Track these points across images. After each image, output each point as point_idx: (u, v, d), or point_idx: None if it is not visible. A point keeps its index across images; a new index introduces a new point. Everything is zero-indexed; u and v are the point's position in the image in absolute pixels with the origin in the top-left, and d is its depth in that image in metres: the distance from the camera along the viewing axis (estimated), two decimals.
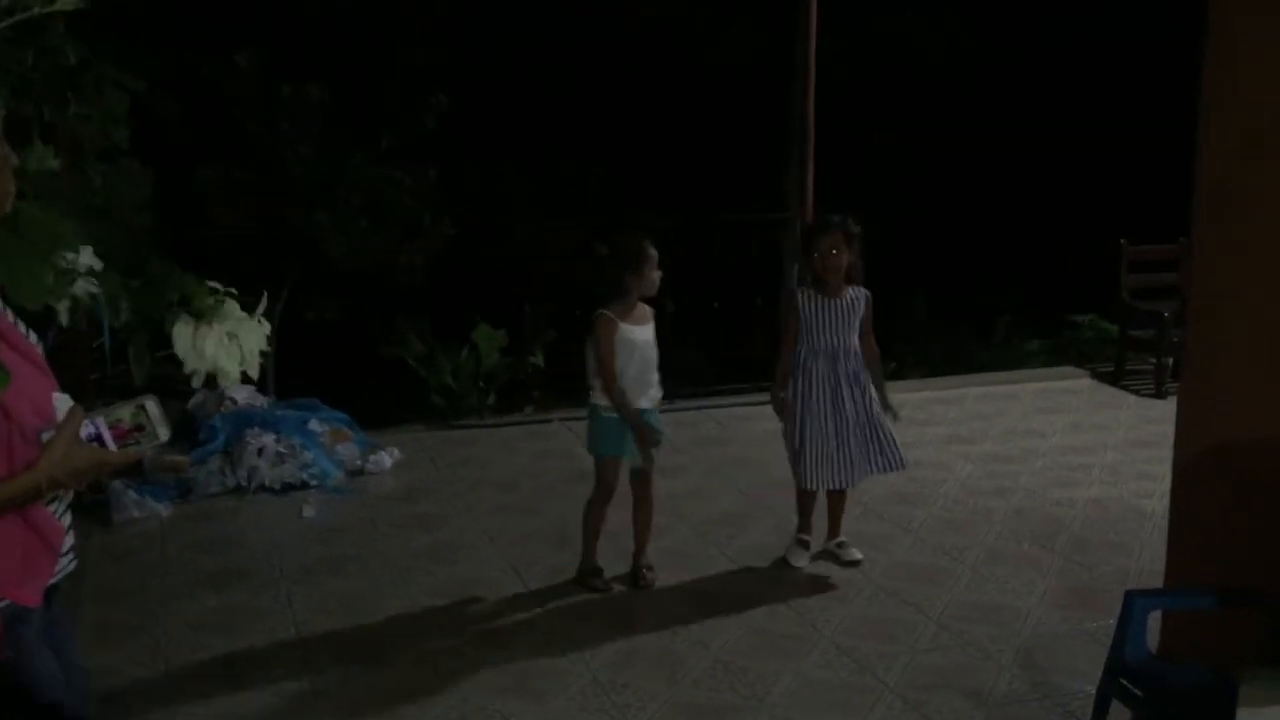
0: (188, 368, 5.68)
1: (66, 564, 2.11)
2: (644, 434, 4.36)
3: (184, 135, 7.62)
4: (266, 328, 5.85)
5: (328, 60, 8.40)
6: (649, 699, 3.67)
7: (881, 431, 4.62)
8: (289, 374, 7.11)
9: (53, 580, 2.06)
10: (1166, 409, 6.82)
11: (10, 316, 2.06)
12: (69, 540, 2.11)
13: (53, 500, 1.99)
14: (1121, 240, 7.68)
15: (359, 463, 5.93)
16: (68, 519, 2.10)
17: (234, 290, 5.81)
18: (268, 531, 5.18)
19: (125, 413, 1.99)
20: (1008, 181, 11.77)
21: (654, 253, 4.37)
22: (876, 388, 4.65)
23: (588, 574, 4.55)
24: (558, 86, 11.40)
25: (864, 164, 10.71)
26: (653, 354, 4.42)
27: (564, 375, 8.06)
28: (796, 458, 4.63)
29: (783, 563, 4.74)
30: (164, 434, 2.00)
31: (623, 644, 4.05)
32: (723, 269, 8.94)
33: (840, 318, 4.56)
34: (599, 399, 4.39)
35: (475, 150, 10.14)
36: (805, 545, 4.76)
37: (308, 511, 5.36)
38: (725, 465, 6.06)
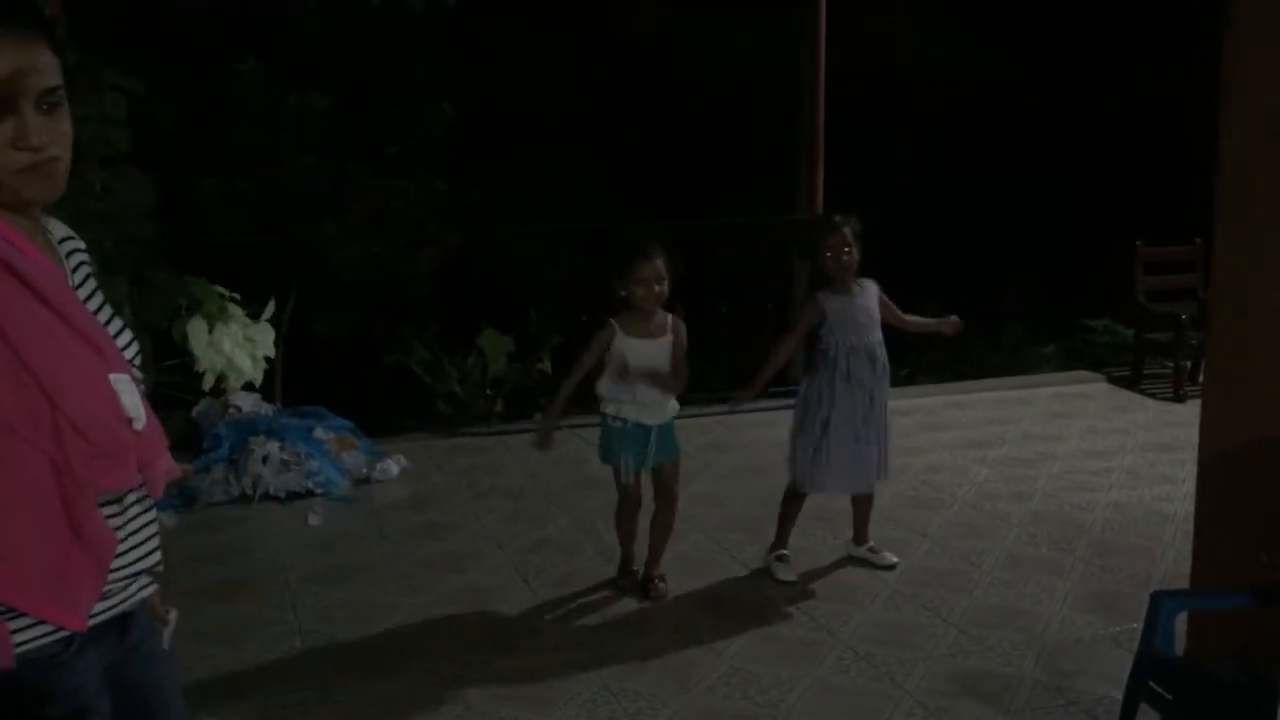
0: (202, 365, 5.61)
1: (137, 588, 1.71)
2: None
3: (185, 145, 7.57)
4: (271, 333, 5.79)
5: (331, 70, 8.35)
6: (661, 706, 3.58)
7: (888, 438, 4.55)
8: (294, 382, 7.04)
9: (116, 609, 1.67)
10: (1185, 412, 6.75)
11: (75, 279, 1.69)
12: (145, 555, 1.70)
13: (113, 502, 1.62)
14: (1136, 242, 7.59)
15: (365, 471, 5.84)
16: (150, 530, 1.71)
17: (237, 296, 5.75)
18: (273, 540, 5.10)
19: None
20: (1018, 185, 11.69)
21: (648, 270, 4.14)
22: (925, 325, 4.67)
23: (624, 573, 4.53)
24: (563, 95, 11.36)
25: (868, 168, 10.63)
26: (664, 369, 4.27)
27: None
28: (812, 461, 4.52)
29: (800, 570, 4.64)
30: None
31: (634, 651, 3.96)
32: (730, 273, 8.85)
33: (861, 313, 4.50)
34: (605, 407, 4.34)
35: (481, 159, 10.08)
36: (787, 559, 4.64)
37: (313, 520, 5.28)
38: (737, 471, 5.97)
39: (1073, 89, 11.70)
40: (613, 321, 4.28)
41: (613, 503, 4.52)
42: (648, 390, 4.26)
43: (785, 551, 4.65)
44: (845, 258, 4.44)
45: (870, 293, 4.55)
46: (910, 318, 4.67)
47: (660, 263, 4.18)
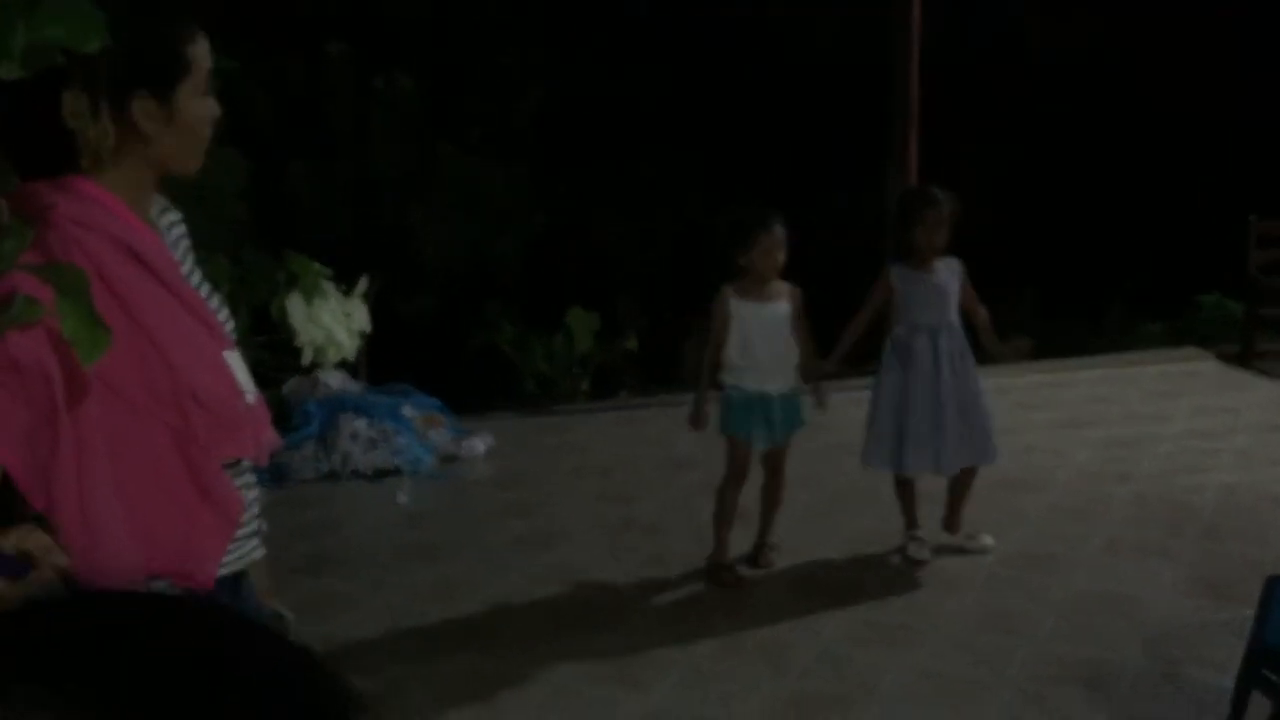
0: (301, 339, 5.66)
1: (250, 549, 1.80)
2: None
3: (277, 128, 7.65)
4: (364, 308, 5.83)
5: (419, 56, 8.39)
6: (753, 689, 3.51)
7: (978, 418, 4.40)
8: (381, 360, 7.08)
9: (232, 566, 1.75)
10: None
11: (178, 254, 1.75)
12: (252, 519, 1.79)
13: (235, 464, 1.73)
14: (1250, 215, 7.29)
15: (452, 449, 5.85)
16: (253, 494, 1.80)
17: (330, 271, 5.78)
18: (361, 517, 5.14)
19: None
20: (1122, 158, 11.32)
21: (774, 232, 4.12)
22: (988, 343, 4.47)
23: (717, 568, 4.35)
24: (648, 82, 11.29)
25: (965, 144, 10.37)
26: (782, 333, 4.21)
27: (658, 359, 7.93)
28: (899, 442, 4.41)
29: (894, 553, 4.53)
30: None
31: (726, 632, 3.90)
32: (820, 255, 8.71)
33: (936, 291, 4.36)
34: (726, 377, 4.26)
35: (568, 143, 10.06)
36: (921, 539, 4.54)
37: (401, 497, 5.30)
38: (829, 451, 5.83)
39: (1183, 60, 11.28)
40: (726, 288, 4.21)
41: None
42: (767, 356, 4.19)
43: (917, 531, 4.53)
44: (937, 235, 4.31)
45: (949, 273, 4.39)
46: (983, 318, 4.48)
47: (779, 230, 4.15)
